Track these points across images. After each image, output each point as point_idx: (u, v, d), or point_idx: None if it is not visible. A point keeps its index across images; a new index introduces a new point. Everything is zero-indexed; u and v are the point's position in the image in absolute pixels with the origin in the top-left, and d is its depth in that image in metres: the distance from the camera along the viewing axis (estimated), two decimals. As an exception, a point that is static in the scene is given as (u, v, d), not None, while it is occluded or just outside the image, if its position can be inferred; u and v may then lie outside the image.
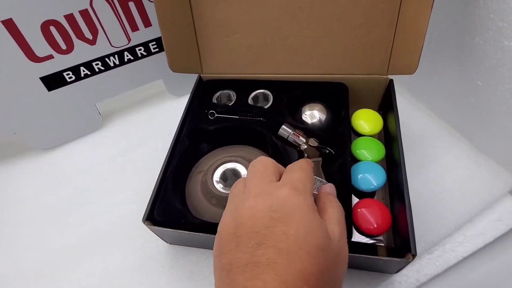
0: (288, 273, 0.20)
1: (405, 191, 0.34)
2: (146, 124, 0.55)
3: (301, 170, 0.26)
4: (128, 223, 0.44)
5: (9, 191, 0.50)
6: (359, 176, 0.39)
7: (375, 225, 0.35)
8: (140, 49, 0.51)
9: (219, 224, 0.25)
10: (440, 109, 0.50)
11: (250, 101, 0.46)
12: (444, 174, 0.44)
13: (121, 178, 0.49)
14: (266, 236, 0.21)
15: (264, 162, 0.28)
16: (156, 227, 0.35)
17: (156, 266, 0.40)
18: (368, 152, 0.41)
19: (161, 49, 0.53)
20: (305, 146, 0.39)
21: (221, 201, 0.38)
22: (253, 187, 0.25)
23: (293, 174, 0.26)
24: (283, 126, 0.40)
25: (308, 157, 0.38)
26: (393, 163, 0.40)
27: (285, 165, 0.40)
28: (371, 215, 0.35)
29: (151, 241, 0.42)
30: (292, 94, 0.46)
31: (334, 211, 0.26)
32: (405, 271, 0.37)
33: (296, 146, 0.40)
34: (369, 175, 0.38)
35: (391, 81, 0.44)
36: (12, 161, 0.53)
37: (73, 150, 0.54)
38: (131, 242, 0.42)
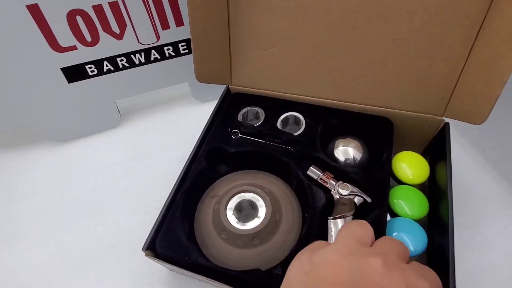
0: None
1: (450, 264, 0.28)
2: (165, 128, 0.52)
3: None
4: (132, 237, 0.41)
5: (20, 182, 0.48)
6: (394, 234, 0.33)
7: None
8: (168, 49, 0.47)
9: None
10: (498, 161, 0.43)
11: (279, 123, 0.41)
12: (494, 243, 0.37)
13: (132, 185, 0.46)
14: None
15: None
16: (156, 259, 0.32)
17: (153, 294, 0.37)
18: (408, 205, 0.35)
19: (190, 51, 0.48)
20: (337, 196, 0.33)
21: (232, 237, 0.34)
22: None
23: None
24: (311, 168, 0.35)
25: (338, 206, 0.33)
26: (437, 223, 0.34)
27: (309, 207, 0.35)
28: None
29: (151, 263, 0.38)
30: (327, 123, 0.40)
31: None
32: None
33: (326, 189, 0.35)
34: (406, 237, 0.33)
35: (447, 124, 0.38)
36: (26, 150, 0.51)
37: (88, 145, 0.51)
38: (130, 261, 0.39)
